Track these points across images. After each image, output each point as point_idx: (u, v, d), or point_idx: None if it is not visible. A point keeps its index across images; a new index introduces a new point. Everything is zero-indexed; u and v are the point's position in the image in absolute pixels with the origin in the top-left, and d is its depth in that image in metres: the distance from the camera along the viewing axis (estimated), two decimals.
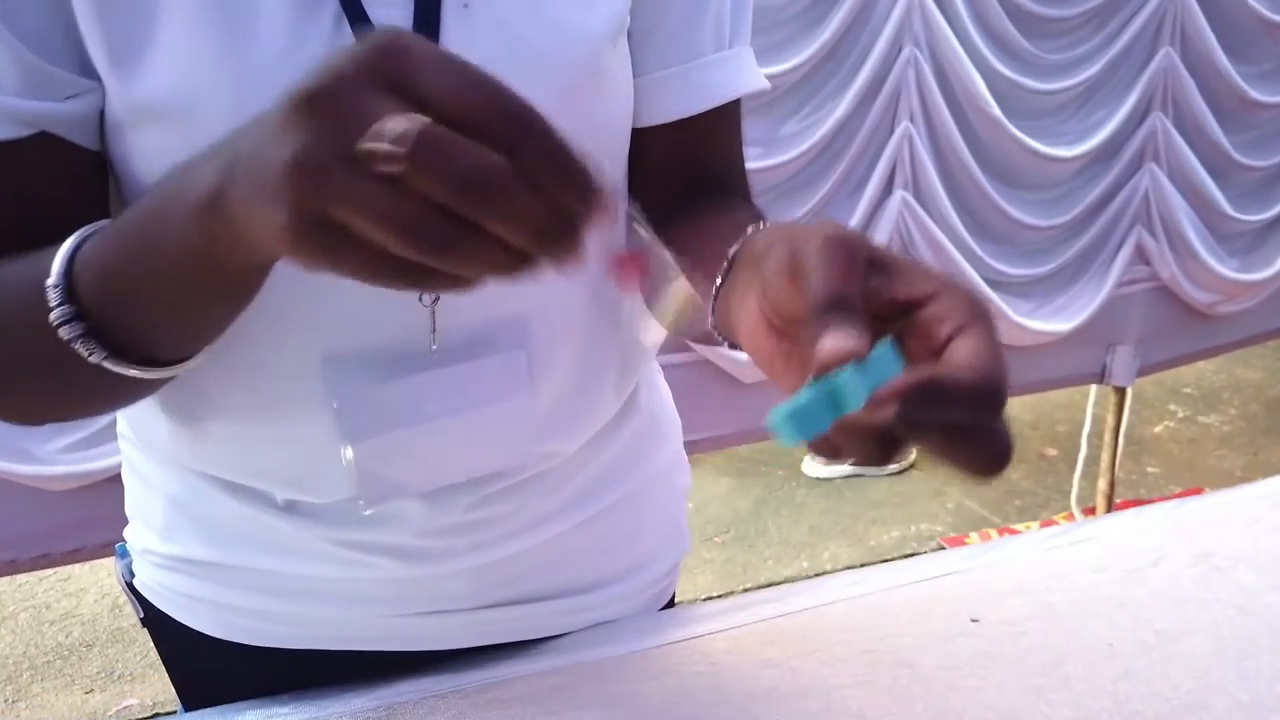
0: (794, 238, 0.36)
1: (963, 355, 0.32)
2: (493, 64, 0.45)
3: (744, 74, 0.57)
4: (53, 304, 0.38)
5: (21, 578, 2.15)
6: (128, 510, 0.63)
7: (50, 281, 0.38)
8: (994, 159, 1.85)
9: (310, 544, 0.56)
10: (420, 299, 0.48)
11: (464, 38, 0.46)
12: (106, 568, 2.14)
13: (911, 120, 1.76)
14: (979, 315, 0.33)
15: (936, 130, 1.79)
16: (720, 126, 0.57)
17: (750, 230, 0.42)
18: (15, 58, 0.42)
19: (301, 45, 0.43)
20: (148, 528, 0.60)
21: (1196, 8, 1.86)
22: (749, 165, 0.62)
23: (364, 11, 0.44)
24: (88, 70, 0.45)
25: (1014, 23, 1.77)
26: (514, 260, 0.30)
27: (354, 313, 0.49)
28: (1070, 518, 2.45)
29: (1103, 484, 2.28)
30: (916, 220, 1.82)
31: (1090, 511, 2.38)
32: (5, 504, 1.40)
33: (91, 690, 1.93)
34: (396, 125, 0.27)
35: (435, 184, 0.27)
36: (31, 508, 1.41)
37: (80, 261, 0.39)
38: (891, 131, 1.77)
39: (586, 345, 0.56)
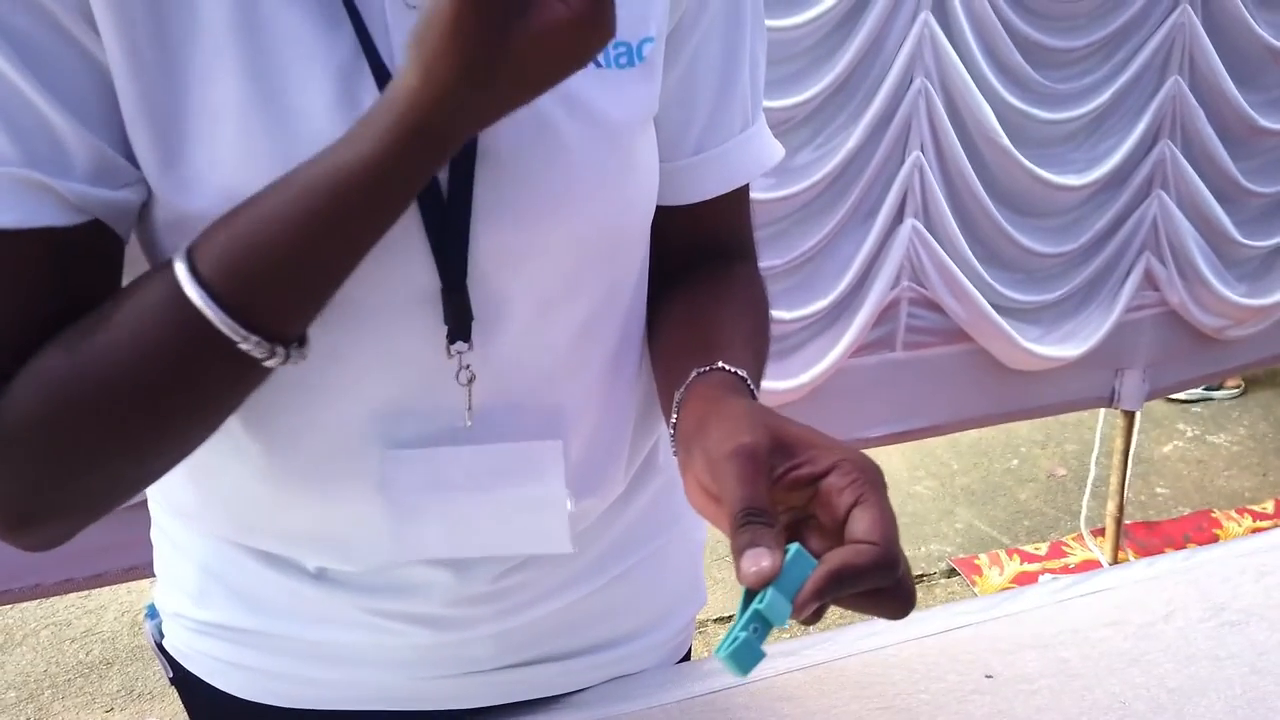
0: (706, 440, 0.43)
1: (860, 529, 0.40)
2: (528, 154, 0.47)
3: (765, 149, 0.59)
4: (187, 289, 0.41)
5: None
6: (157, 571, 0.65)
7: (179, 270, 0.41)
8: (1003, 187, 1.86)
9: (341, 612, 0.57)
10: (456, 377, 0.50)
11: (500, 133, 0.47)
12: (126, 586, 2.16)
13: (922, 150, 1.78)
14: (872, 484, 0.41)
15: (947, 160, 1.80)
16: (736, 197, 0.59)
17: (694, 377, 0.49)
18: (89, 143, 0.43)
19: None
20: (179, 592, 0.62)
21: (1205, 37, 1.87)
22: (764, 195, 0.65)
23: None
24: (134, 160, 0.45)
25: (1022, 54, 1.78)
26: None
27: (398, 384, 0.50)
28: (1079, 539, 2.46)
29: (1111, 506, 2.28)
30: (927, 248, 1.83)
31: (1099, 533, 2.38)
32: None
33: (112, 709, 1.95)
34: None
35: None
36: None
37: (200, 260, 0.41)
38: (902, 161, 1.78)
39: (602, 416, 0.58)
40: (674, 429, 0.49)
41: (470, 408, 0.51)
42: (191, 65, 0.43)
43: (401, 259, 0.47)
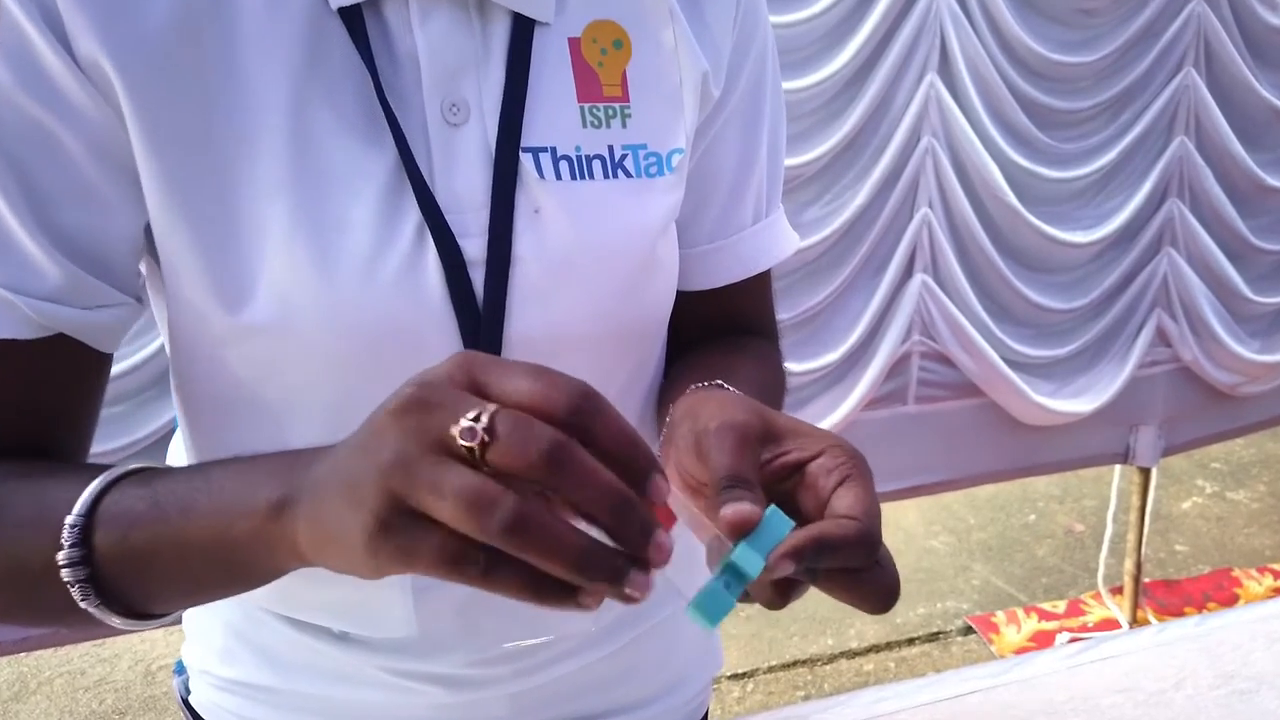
0: (696, 419, 0.42)
1: (843, 505, 0.39)
2: (560, 261, 0.49)
3: (779, 241, 0.60)
4: (65, 543, 0.40)
5: None
6: (185, 628, 0.66)
7: (69, 520, 0.40)
8: (1011, 243, 1.89)
9: (362, 672, 0.59)
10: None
11: (534, 241, 0.48)
12: (140, 636, 2.17)
13: (930, 206, 1.81)
14: (856, 468, 0.40)
15: (954, 216, 1.83)
16: (754, 284, 0.61)
17: (690, 389, 0.48)
18: (56, 263, 0.44)
19: (385, 257, 0.46)
20: (206, 650, 0.63)
21: (1210, 99, 1.91)
22: None
23: (444, 221, 0.46)
24: (127, 287, 0.47)
25: (1027, 115, 1.82)
26: (580, 552, 0.31)
27: None
28: (1098, 597, 2.43)
29: (1129, 564, 2.25)
30: (937, 302, 1.85)
31: (1118, 591, 2.35)
32: None
33: None
34: (476, 409, 0.31)
35: (511, 456, 0.30)
36: None
37: (103, 511, 0.41)
38: (911, 217, 1.81)
39: None
40: (663, 427, 0.48)
41: None
42: (243, 180, 0.45)
43: (439, 360, 0.48)
